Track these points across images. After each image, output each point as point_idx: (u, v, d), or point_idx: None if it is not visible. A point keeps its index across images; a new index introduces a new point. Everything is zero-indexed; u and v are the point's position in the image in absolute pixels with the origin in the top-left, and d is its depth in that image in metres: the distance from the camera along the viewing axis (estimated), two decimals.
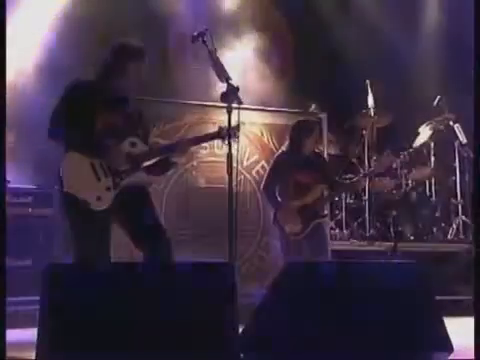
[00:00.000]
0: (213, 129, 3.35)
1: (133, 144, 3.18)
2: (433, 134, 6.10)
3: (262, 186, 4.59)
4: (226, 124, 3.07)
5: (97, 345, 2.30)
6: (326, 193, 4.44)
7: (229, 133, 3.06)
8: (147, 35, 4.68)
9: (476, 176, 2.90)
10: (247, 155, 5.13)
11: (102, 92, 3.18)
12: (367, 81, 6.05)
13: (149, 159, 3.23)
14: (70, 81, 3.21)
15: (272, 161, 4.59)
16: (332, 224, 5.78)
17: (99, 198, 3.06)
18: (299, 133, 4.44)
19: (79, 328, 2.31)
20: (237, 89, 3.07)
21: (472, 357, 2.65)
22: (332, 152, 5.96)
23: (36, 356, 2.28)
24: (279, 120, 5.25)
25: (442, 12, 7.07)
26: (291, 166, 4.38)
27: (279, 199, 4.39)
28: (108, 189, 3.09)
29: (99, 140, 3.11)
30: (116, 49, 3.23)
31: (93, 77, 3.24)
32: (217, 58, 3.13)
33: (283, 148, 4.58)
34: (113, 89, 3.21)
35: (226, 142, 3.09)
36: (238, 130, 3.13)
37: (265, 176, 4.60)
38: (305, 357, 2.46)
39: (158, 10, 5.78)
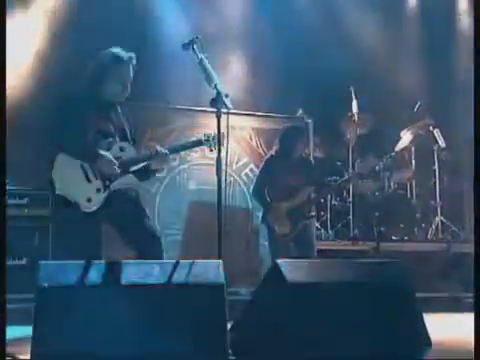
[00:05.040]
0: (202, 134, 3.44)
1: (122, 149, 3.27)
2: (414, 139, 6.29)
3: (252, 188, 4.72)
4: (214, 130, 3.12)
5: (90, 344, 2.34)
6: (313, 195, 4.58)
7: (215, 140, 3.17)
8: (138, 41, 4.78)
9: (476, 178, 2.93)
10: (236, 158, 5.25)
11: (93, 98, 3.27)
12: (351, 87, 6.21)
13: (136, 164, 3.32)
14: (66, 87, 3.34)
15: (262, 164, 4.72)
16: (318, 225, 5.91)
17: (89, 200, 3.14)
18: (290, 138, 4.57)
19: (72, 327, 2.35)
20: (226, 95, 3.13)
21: (452, 355, 2.75)
22: (318, 155, 6.10)
23: (31, 353, 2.30)
24: (267, 125, 5.38)
25: (423, 16, 7.23)
26: (280, 169, 4.51)
27: (268, 201, 4.53)
28: (98, 191, 3.17)
29: (90, 145, 3.19)
30: (104, 56, 3.33)
31: (84, 83, 3.34)
32: (207, 65, 3.20)
33: (272, 152, 4.71)
34: (103, 95, 3.30)
35: (211, 149, 3.22)
36: (224, 137, 3.12)
37: (255, 178, 4.73)
38: (292, 356, 2.50)
39: (149, 16, 5.88)
